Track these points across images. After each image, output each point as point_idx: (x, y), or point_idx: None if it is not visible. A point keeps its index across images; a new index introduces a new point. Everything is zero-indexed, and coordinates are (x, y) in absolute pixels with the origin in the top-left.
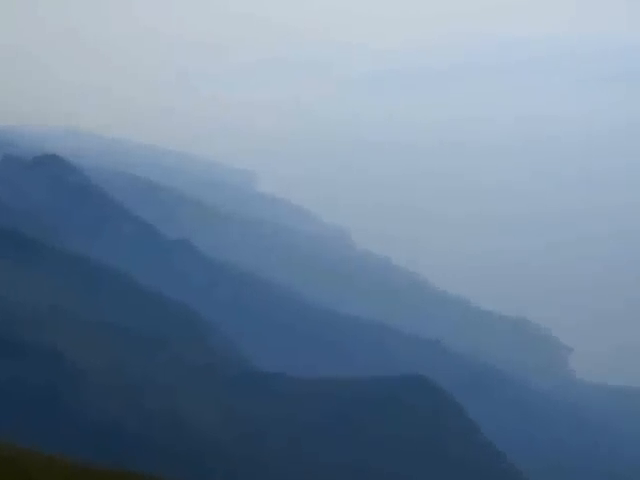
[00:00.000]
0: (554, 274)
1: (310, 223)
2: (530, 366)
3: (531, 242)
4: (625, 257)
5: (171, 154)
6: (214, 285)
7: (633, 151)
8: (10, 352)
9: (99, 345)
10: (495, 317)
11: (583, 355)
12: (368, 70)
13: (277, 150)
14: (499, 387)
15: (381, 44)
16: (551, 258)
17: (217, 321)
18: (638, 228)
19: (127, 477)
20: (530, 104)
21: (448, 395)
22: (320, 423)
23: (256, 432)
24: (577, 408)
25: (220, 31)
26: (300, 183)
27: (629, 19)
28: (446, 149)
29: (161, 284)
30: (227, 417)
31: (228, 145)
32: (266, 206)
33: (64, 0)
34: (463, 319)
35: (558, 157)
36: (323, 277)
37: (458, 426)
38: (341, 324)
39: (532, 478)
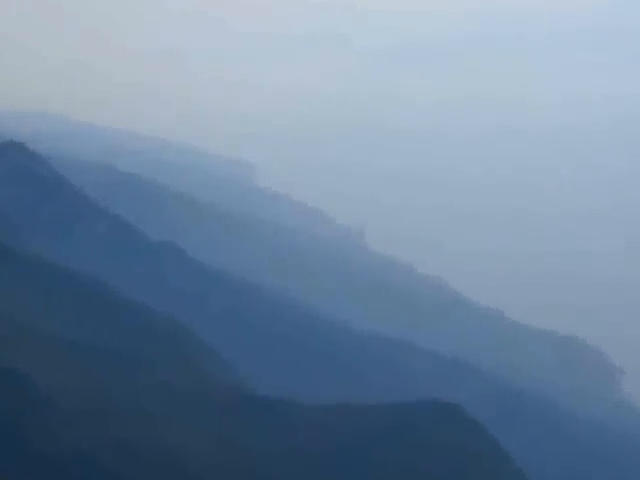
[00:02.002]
0: (604, 283)
1: (318, 223)
2: (576, 390)
3: (577, 245)
4: None
5: (155, 142)
6: (206, 295)
7: None
8: None
9: (69, 367)
10: (534, 332)
11: (638, 377)
12: (384, 44)
13: (280, 138)
14: (539, 414)
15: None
16: (600, 264)
17: (210, 338)
18: None
19: None
20: (580, 84)
21: (478, 424)
22: (330, 457)
23: (256, 468)
24: (632, 438)
25: None
26: (306, 176)
27: None
28: (479, 135)
29: (143, 294)
30: (222, 451)
31: (223, 132)
32: (267, 203)
33: None
34: (496, 334)
35: (607, 146)
36: (334, 286)
37: (489, 460)
38: (355, 341)
39: None
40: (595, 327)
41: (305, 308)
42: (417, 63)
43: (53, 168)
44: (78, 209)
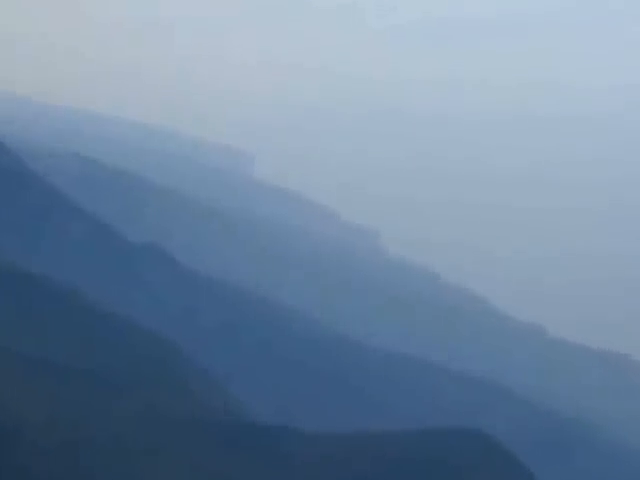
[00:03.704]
0: None
1: (326, 222)
2: (627, 416)
3: (629, 246)
4: None
5: (136, 128)
6: (196, 307)
7: None
8: None
9: (38, 391)
10: (578, 350)
11: None
12: (401, 20)
13: (282, 124)
14: (583, 445)
15: None
16: None
17: (201, 356)
18: None
19: None
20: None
21: (512, 456)
22: None
23: None
24: None
25: None
26: (312, 168)
27: None
28: (511, 123)
29: (124, 306)
30: None
31: (215, 116)
32: (266, 199)
33: None
34: (534, 353)
35: None
36: (345, 296)
37: None
38: (370, 360)
39: None
40: None
41: (310, 322)
42: (436, 42)
43: (19, 158)
44: (48, 207)
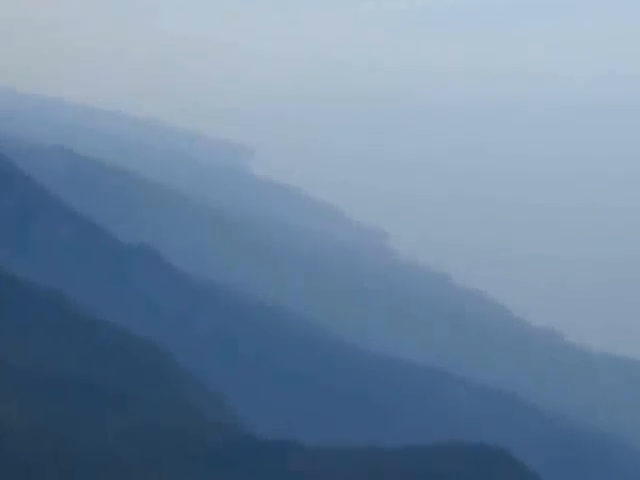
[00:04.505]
0: None
1: (331, 222)
2: None
3: None
4: None
5: (126, 121)
6: (191, 314)
7: None
8: None
9: (24, 404)
10: (602, 359)
11: None
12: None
13: (283, 116)
14: (608, 463)
15: None
16: None
17: (196, 366)
18: None
19: None
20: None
21: (532, 474)
22: None
23: None
24: None
25: None
26: (316, 163)
27: None
28: (528, 115)
29: (114, 313)
30: None
31: (210, 107)
32: (266, 197)
33: None
34: (555, 362)
35: None
36: (351, 301)
37: None
38: (378, 370)
39: None
40: None
41: (313, 329)
42: (434, 28)
43: (1, 153)
44: (31, 206)
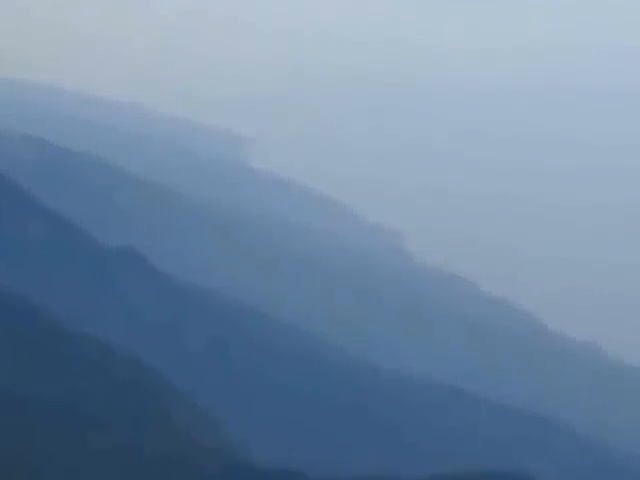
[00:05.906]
0: None
1: (340, 221)
2: None
3: None
4: None
5: (112, 108)
6: (181, 325)
7: None
8: None
9: (1, 425)
10: None
11: None
12: None
13: (284, 102)
14: None
15: None
16: None
17: (186, 383)
18: None
19: None
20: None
21: None
22: None
23: None
24: None
25: None
26: (322, 155)
27: None
28: (556, 101)
29: (94, 324)
30: None
31: (204, 94)
32: (266, 193)
33: None
34: (591, 379)
35: None
36: (362, 311)
37: None
38: (392, 389)
39: None
40: None
41: (318, 342)
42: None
43: None
44: (3, 204)
